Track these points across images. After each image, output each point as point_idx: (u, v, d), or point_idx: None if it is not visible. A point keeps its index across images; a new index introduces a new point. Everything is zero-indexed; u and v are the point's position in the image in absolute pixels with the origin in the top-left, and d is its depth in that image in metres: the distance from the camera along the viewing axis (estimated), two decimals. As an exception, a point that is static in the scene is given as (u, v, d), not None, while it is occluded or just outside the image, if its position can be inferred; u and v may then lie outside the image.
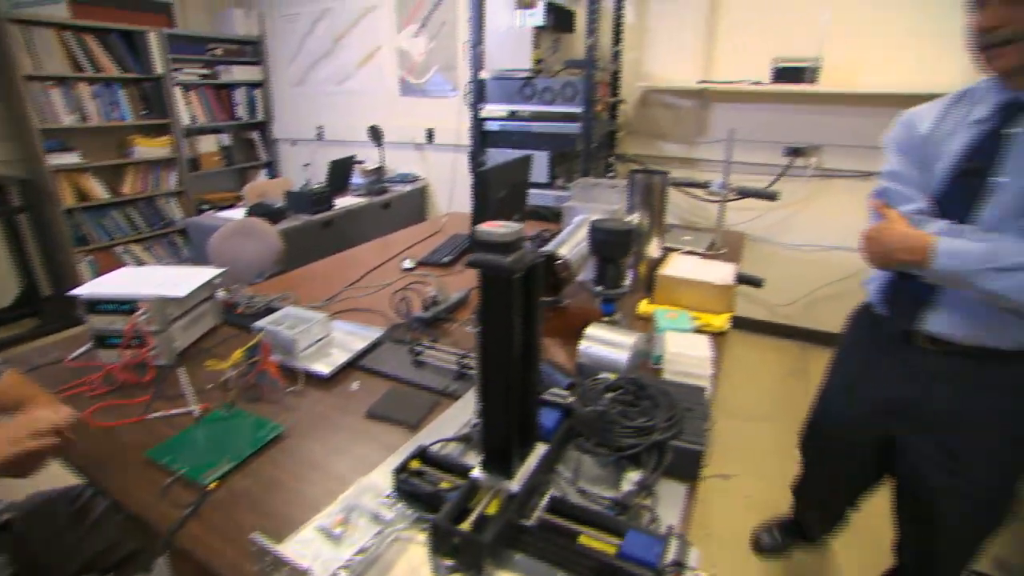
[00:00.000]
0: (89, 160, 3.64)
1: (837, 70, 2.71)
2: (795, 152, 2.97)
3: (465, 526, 0.66)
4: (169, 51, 3.90)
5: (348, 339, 1.33)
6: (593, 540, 0.68)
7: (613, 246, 1.21)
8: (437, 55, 3.84)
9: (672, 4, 3.09)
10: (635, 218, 1.60)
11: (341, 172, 3.54)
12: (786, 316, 3.26)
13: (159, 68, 3.88)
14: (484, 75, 3.02)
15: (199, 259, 3.00)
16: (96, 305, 1.17)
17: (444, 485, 0.78)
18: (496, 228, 0.59)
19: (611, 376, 0.96)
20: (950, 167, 1.03)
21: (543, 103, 2.88)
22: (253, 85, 4.60)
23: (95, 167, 3.69)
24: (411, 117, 4.07)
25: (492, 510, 0.69)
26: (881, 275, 1.17)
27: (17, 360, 1.21)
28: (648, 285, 1.58)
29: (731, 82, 2.92)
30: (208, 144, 4.36)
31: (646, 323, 1.42)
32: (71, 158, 3.53)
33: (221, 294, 1.55)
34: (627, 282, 1.31)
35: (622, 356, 1.04)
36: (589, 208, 1.60)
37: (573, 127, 2.83)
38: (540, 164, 2.96)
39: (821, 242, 3.04)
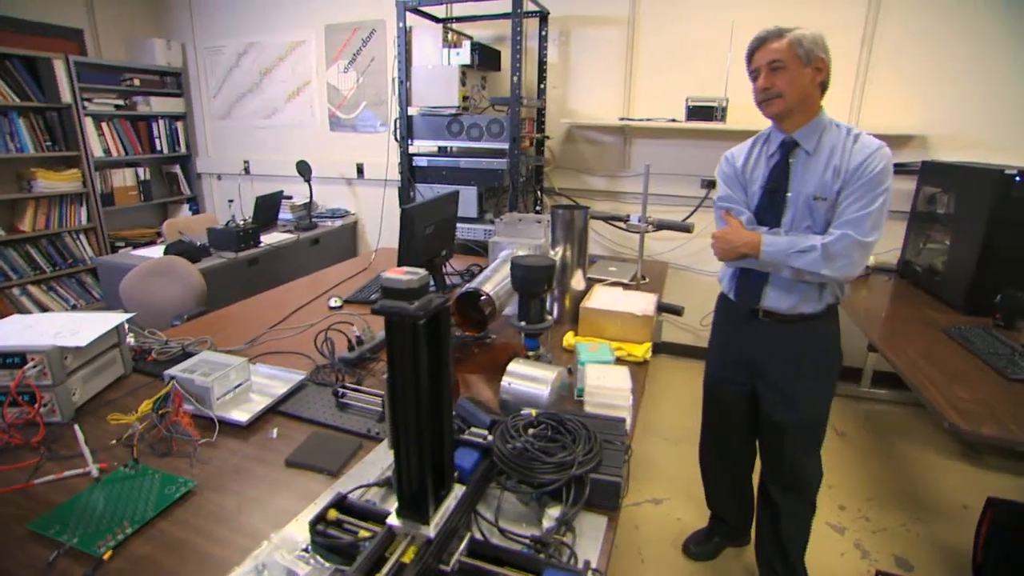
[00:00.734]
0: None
1: (742, 109, 2.94)
2: (711, 184, 3.17)
3: (380, 577, 0.65)
4: (79, 80, 3.70)
5: (268, 384, 1.29)
6: (511, 581, 0.68)
7: (533, 282, 1.24)
8: (366, 91, 3.86)
9: (592, 45, 3.27)
10: (558, 252, 1.65)
11: (269, 208, 3.45)
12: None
13: (67, 97, 3.66)
14: (412, 111, 3.06)
15: (111, 301, 2.81)
16: (-21, 360, 1.07)
17: (363, 534, 0.76)
18: (401, 275, 0.60)
19: (532, 412, 0.98)
20: (760, 189, 1.46)
21: (471, 139, 2.94)
22: (174, 117, 4.43)
23: (-14, 202, 3.41)
24: (341, 152, 4.04)
25: (408, 558, 0.68)
26: (729, 271, 1.58)
27: None
28: (573, 317, 1.63)
29: (650, 119, 3.10)
30: (123, 178, 4.13)
31: (571, 355, 1.45)
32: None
33: (131, 340, 1.46)
34: (550, 316, 1.34)
35: (543, 391, 1.06)
36: (514, 243, 1.64)
37: (500, 162, 2.90)
38: (469, 199, 3.01)
39: (738, 268, 3.23)
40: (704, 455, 1.85)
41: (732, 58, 2.89)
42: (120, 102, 4.06)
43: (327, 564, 0.75)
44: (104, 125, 3.96)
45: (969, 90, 2.67)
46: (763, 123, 1.48)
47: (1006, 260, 1.97)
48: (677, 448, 2.53)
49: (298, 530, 0.82)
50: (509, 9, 2.74)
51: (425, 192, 3.11)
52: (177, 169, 4.54)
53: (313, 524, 0.76)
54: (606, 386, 1.12)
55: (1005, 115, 2.65)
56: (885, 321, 2.08)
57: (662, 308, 1.76)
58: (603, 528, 0.86)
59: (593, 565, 0.77)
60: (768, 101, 1.37)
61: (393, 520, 0.71)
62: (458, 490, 0.77)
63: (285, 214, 3.68)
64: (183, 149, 4.51)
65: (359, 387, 1.25)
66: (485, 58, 3.13)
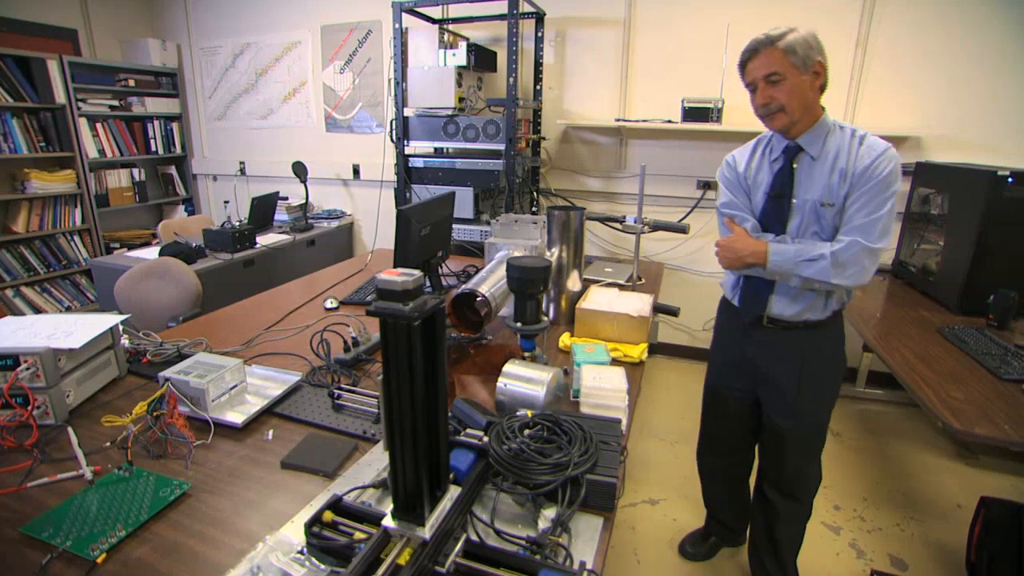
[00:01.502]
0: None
1: (738, 111, 2.95)
2: (707, 185, 3.18)
3: (375, 579, 0.65)
4: (73, 80, 3.68)
5: (264, 385, 1.29)
6: (507, 582, 0.68)
7: (529, 283, 1.24)
8: (362, 91, 3.85)
9: (588, 46, 3.27)
10: (554, 253, 1.65)
11: (264, 209, 3.44)
12: (705, 340, 3.41)
13: (60, 98, 3.65)
14: (408, 112, 3.06)
15: (106, 302, 2.80)
16: (-28, 362, 1.07)
17: (359, 536, 0.76)
18: (395, 277, 0.60)
19: (528, 413, 0.98)
20: (764, 195, 1.41)
21: (467, 140, 2.94)
22: (170, 118, 4.41)
23: (-20, 204, 3.39)
24: (337, 153, 4.03)
25: (404, 559, 0.68)
26: (732, 277, 1.53)
27: None
28: (569, 318, 1.63)
29: (645, 120, 3.10)
30: (118, 179, 4.12)
31: (568, 356, 1.46)
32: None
33: (126, 342, 1.46)
34: (547, 317, 1.34)
35: (539, 393, 1.06)
36: (511, 244, 1.64)
37: (496, 163, 2.90)
38: (465, 200, 3.01)
39: (734, 269, 3.24)
40: (702, 457, 1.84)
41: (728, 59, 2.90)
42: (115, 103, 4.05)
43: (322, 566, 0.75)
44: (99, 126, 3.95)
45: (963, 92, 2.68)
46: (760, 124, 1.46)
47: (999, 261, 1.99)
48: (673, 449, 2.53)
49: (293, 532, 0.82)
50: (505, 10, 2.74)
51: (421, 193, 3.11)
52: (172, 170, 4.53)
53: (308, 526, 0.76)
54: (602, 387, 1.12)
55: (998, 117, 2.67)
56: (879, 321, 2.09)
57: (658, 309, 1.76)
58: (599, 529, 0.87)
59: (589, 566, 0.77)
60: (770, 116, 1.33)
61: (388, 522, 0.71)
62: (454, 491, 0.77)
63: (281, 215, 3.67)
64: (179, 150, 4.50)
65: (355, 388, 1.25)
66: (481, 59, 3.13)
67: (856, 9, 2.77)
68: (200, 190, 4.67)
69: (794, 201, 1.36)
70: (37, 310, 3.68)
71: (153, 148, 4.33)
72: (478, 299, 1.35)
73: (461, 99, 2.98)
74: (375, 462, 1.02)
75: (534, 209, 3.43)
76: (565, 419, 0.96)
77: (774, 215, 1.39)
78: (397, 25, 2.98)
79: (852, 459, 2.48)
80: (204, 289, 2.36)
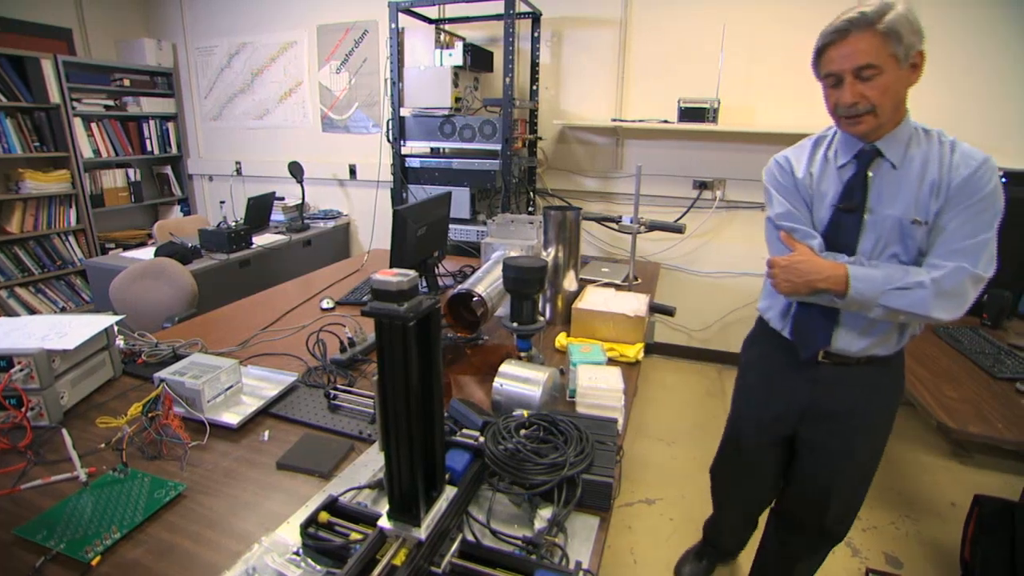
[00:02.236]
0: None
1: (734, 111, 2.96)
2: (703, 186, 3.19)
3: (370, 580, 0.65)
4: (68, 80, 3.66)
5: (260, 386, 1.28)
6: (502, 582, 0.68)
7: (525, 283, 1.24)
8: (358, 91, 3.85)
9: (585, 46, 3.28)
10: (550, 253, 1.65)
11: (261, 209, 3.43)
12: (702, 340, 3.44)
13: (55, 97, 3.63)
14: (405, 112, 3.06)
15: (101, 303, 2.79)
16: (-35, 363, 1.06)
17: (355, 537, 0.76)
18: (391, 277, 0.60)
19: (524, 413, 0.98)
20: (829, 207, 1.17)
21: (463, 141, 2.94)
22: (165, 118, 4.40)
23: (-25, 204, 3.37)
24: (334, 153, 4.03)
25: (399, 560, 0.68)
26: (781, 303, 1.30)
27: None
28: (566, 318, 1.63)
29: (641, 120, 3.11)
30: (114, 179, 4.10)
31: (564, 356, 1.46)
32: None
33: (121, 343, 1.45)
34: (543, 317, 1.34)
35: (535, 392, 1.06)
36: (507, 244, 1.64)
37: (493, 163, 2.90)
38: (462, 200, 3.01)
39: (730, 269, 3.25)
40: (719, 496, 1.68)
41: (724, 59, 2.90)
42: (110, 102, 4.03)
43: (318, 567, 0.75)
44: (94, 125, 3.93)
45: (961, 92, 2.70)
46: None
47: (993, 260, 2.00)
48: (670, 449, 2.54)
49: (289, 533, 0.82)
50: (502, 10, 2.74)
51: (417, 193, 3.11)
52: (168, 170, 4.51)
53: (304, 527, 0.76)
54: (598, 387, 1.13)
55: (994, 117, 2.68)
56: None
57: (654, 309, 1.77)
58: (595, 529, 0.87)
59: (585, 566, 0.77)
60: (855, 119, 1.09)
61: (384, 522, 0.71)
62: (449, 492, 0.77)
63: (277, 215, 3.67)
64: (174, 150, 4.48)
65: (351, 389, 1.24)
66: (477, 59, 3.13)
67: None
68: (196, 190, 4.66)
69: (867, 216, 1.13)
70: (31, 311, 3.67)
71: (148, 148, 4.32)
72: (474, 299, 1.35)
73: (457, 99, 2.98)
74: (371, 463, 1.02)
75: (531, 209, 3.43)
76: (561, 419, 0.96)
77: (844, 232, 1.16)
78: (393, 25, 2.98)
79: (848, 458, 2.49)
80: (200, 289, 2.35)
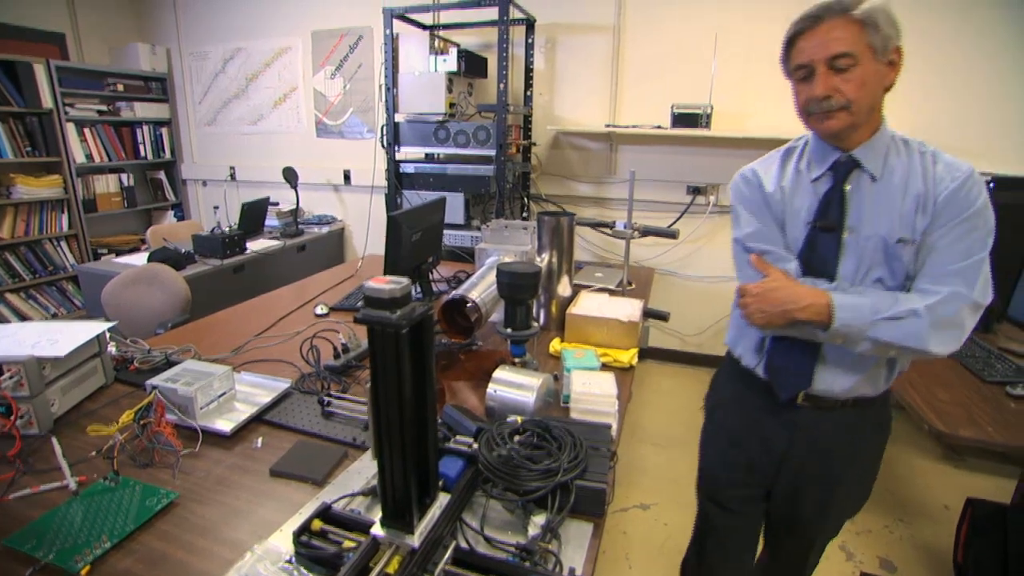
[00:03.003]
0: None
1: (727, 116, 2.98)
2: (696, 191, 3.21)
3: (363, 588, 0.65)
4: (61, 85, 3.65)
5: (253, 392, 1.28)
6: (495, 590, 0.68)
7: (519, 288, 1.25)
8: (353, 97, 3.85)
9: (578, 52, 3.30)
10: (544, 259, 1.66)
11: (255, 214, 3.42)
12: (696, 345, 3.45)
13: (47, 102, 3.62)
14: (399, 118, 3.06)
15: (93, 309, 2.77)
16: (-45, 371, 1.05)
17: (348, 544, 0.76)
18: (383, 284, 0.60)
19: (518, 419, 0.98)
20: (804, 225, 1.05)
21: (457, 146, 2.95)
22: (159, 123, 4.39)
23: (-35, 209, 3.35)
24: (328, 158, 4.03)
25: (393, 568, 0.68)
26: (753, 336, 1.14)
27: None
28: (560, 323, 1.63)
29: (635, 126, 3.13)
30: (107, 184, 4.08)
31: (558, 362, 1.46)
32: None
33: (113, 349, 1.44)
34: (537, 323, 1.35)
35: (528, 398, 1.06)
36: (501, 250, 1.64)
37: (487, 169, 2.91)
38: (456, 205, 3.01)
39: (724, 274, 3.27)
40: (689, 568, 1.45)
41: (716, 66, 2.93)
42: (103, 107, 4.02)
43: (311, 575, 0.74)
44: (87, 131, 3.92)
45: (948, 99, 2.73)
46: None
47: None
48: (665, 453, 2.54)
49: (282, 541, 0.81)
50: (496, 17, 2.75)
51: (412, 199, 3.11)
52: (162, 175, 4.50)
53: (297, 535, 0.76)
54: (592, 392, 1.13)
55: (980, 123, 2.71)
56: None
57: (648, 314, 1.77)
58: (588, 535, 0.87)
59: (579, 572, 0.77)
60: (826, 115, 0.97)
61: (377, 530, 0.71)
62: (443, 499, 0.77)
63: (271, 221, 3.66)
64: (168, 155, 4.47)
65: (344, 395, 1.24)
66: (472, 65, 3.14)
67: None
68: (190, 195, 4.64)
69: (846, 236, 1.01)
70: (22, 317, 3.64)
71: (142, 153, 4.31)
72: (468, 305, 1.36)
73: (452, 105, 2.99)
74: (364, 470, 1.02)
75: (525, 214, 3.44)
76: (555, 425, 0.96)
77: (821, 254, 1.03)
78: (388, 31, 2.99)
79: (841, 462, 2.50)
80: (193, 295, 2.34)
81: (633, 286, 2.13)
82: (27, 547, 0.79)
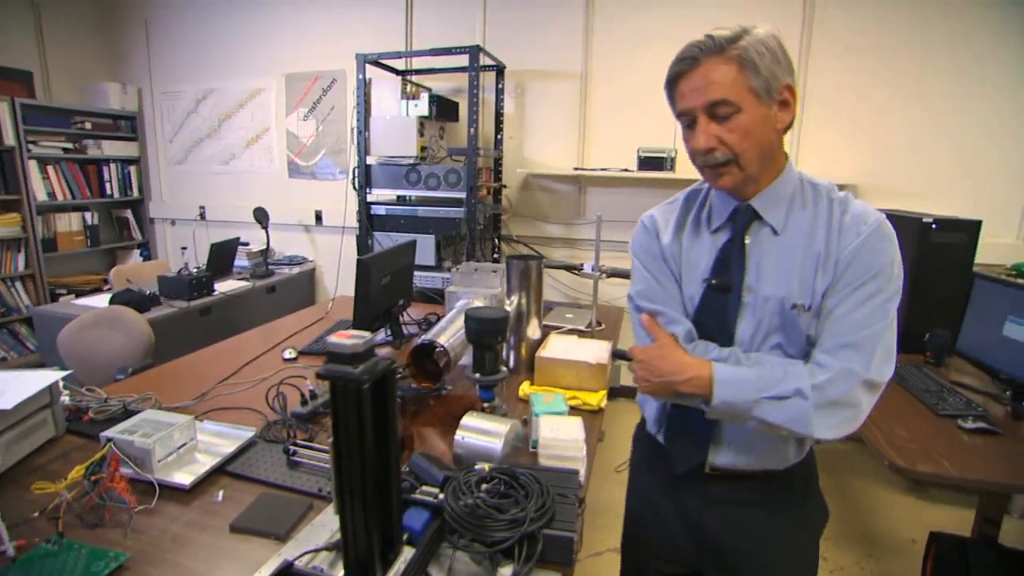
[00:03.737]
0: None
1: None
2: (663, 231, 3.30)
3: (322, 653, 0.63)
4: (25, 122, 3.60)
5: (216, 442, 1.24)
6: (459, 649, 0.67)
7: (487, 334, 1.26)
8: (326, 139, 3.89)
9: (547, 98, 3.42)
10: (513, 301, 1.68)
11: (224, 255, 3.38)
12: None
13: (9, 139, 3.55)
14: (371, 160, 3.10)
15: (47, 353, 2.67)
16: None
17: (308, 604, 0.73)
18: (345, 340, 0.61)
19: (486, 467, 0.97)
20: (701, 283, 0.96)
21: (428, 189, 3.00)
22: (128, 161, 4.34)
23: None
24: (300, 199, 4.03)
25: (354, 630, 0.66)
26: (655, 401, 1.06)
27: None
28: (530, 366, 1.64)
29: (604, 169, 3.23)
30: (69, 222, 3.99)
31: (528, 405, 1.46)
32: None
33: (66, 398, 1.39)
34: (506, 367, 1.35)
35: (496, 445, 1.06)
36: (471, 293, 1.66)
37: (458, 211, 2.96)
38: (427, 247, 3.04)
39: (692, 311, 3.33)
40: None
41: (678, 113, 3.06)
42: (68, 145, 3.97)
43: (269, 639, 0.71)
44: (50, 168, 3.85)
45: (893, 142, 2.90)
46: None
47: (930, 301, 2.11)
48: (638, 492, 2.52)
49: (239, 603, 0.78)
50: (467, 63, 2.85)
51: (383, 240, 3.12)
52: (129, 214, 4.43)
53: (254, 597, 0.73)
54: (559, 438, 1.13)
55: (924, 166, 2.88)
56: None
57: (617, 355, 1.79)
58: (557, 586, 0.86)
59: (545, 626, 0.76)
60: (714, 170, 0.90)
61: (339, 589, 0.69)
62: (407, 553, 0.76)
63: (241, 261, 3.61)
64: (136, 193, 4.41)
65: (311, 444, 1.21)
66: (443, 109, 3.22)
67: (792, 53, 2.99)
68: (157, 235, 4.57)
69: (746, 296, 0.92)
70: (-29, 362, 3.47)
71: (108, 191, 4.24)
72: (437, 350, 1.36)
73: (423, 148, 3.04)
74: (329, 522, 0.99)
75: (495, 256, 3.48)
76: (522, 473, 0.96)
77: (718, 315, 0.94)
78: (361, 76, 3.05)
79: (811, 497, 2.53)
80: (157, 339, 2.28)
81: (603, 327, 2.16)
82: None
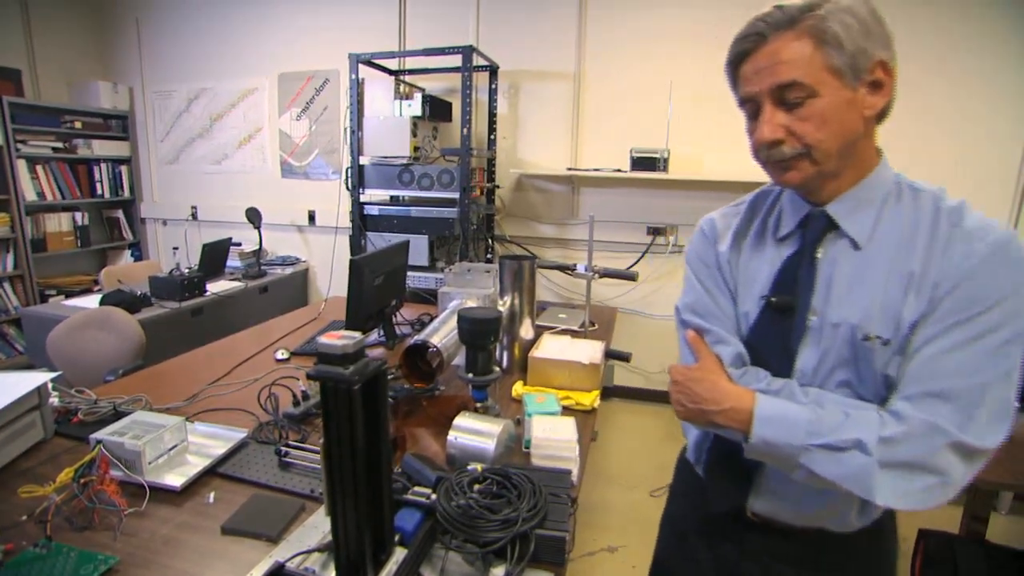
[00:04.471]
0: None
1: (683, 159, 3.11)
2: (656, 231, 3.31)
3: (313, 654, 0.62)
4: (13, 121, 3.56)
5: (207, 444, 1.24)
6: (451, 649, 0.67)
7: (480, 335, 1.26)
8: (319, 138, 3.88)
9: (540, 98, 3.42)
10: (506, 302, 1.68)
11: (216, 255, 3.36)
12: (660, 383, 3.50)
13: (-3, 140, 3.52)
14: (364, 161, 3.10)
15: (36, 355, 2.64)
16: None
17: (300, 606, 0.73)
18: (335, 340, 0.60)
19: (478, 467, 0.97)
20: (759, 299, 0.81)
21: (422, 189, 2.99)
22: (119, 161, 4.31)
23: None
24: (293, 199, 4.02)
25: (345, 631, 0.66)
26: (699, 430, 0.93)
27: None
28: (523, 366, 1.64)
29: (597, 169, 3.23)
30: (59, 223, 3.95)
31: (521, 405, 1.46)
32: None
33: (55, 400, 1.38)
34: (499, 367, 1.35)
35: (489, 445, 1.06)
36: (464, 293, 1.66)
37: (451, 211, 2.95)
38: (420, 247, 3.03)
39: (685, 311, 3.35)
40: None
41: (672, 110, 3.07)
42: (58, 144, 3.93)
43: (260, 641, 0.71)
44: (39, 168, 3.81)
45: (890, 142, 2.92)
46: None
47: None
48: (631, 494, 2.53)
49: (230, 605, 0.78)
50: (460, 64, 2.84)
51: (376, 240, 3.11)
52: (120, 214, 4.39)
53: (245, 599, 0.73)
54: (552, 438, 1.13)
55: (923, 166, 2.90)
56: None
57: (610, 355, 1.80)
58: (549, 586, 0.86)
59: (537, 626, 0.76)
60: (780, 165, 0.74)
61: (330, 590, 0.69)
62: (399, 554, 0.76)
63: (234, 261, 3.60)
64: (127, 193, 4.38)
65: (303, 445, 1.21)
66: (436, 109, 3.21)
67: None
68: (149, 235, 4.53)
69: (812, 319, 0.76)
70: (-41, 363, 3.44)
71: (99, 192, 4.20)
72: (430, 350, 1.36)
73: (416, 148, 3.04)
74: (321, 524, 0.98)
75: (489, 256, 3.48)
76: (514, 473, 0.96)
77: (774, 340, 0.80)
78: (354, 76, 3.04)
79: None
80: (148, 340, 2.26)
81: (596, 327, 2.16)
82: (-52, 624, 0.74)
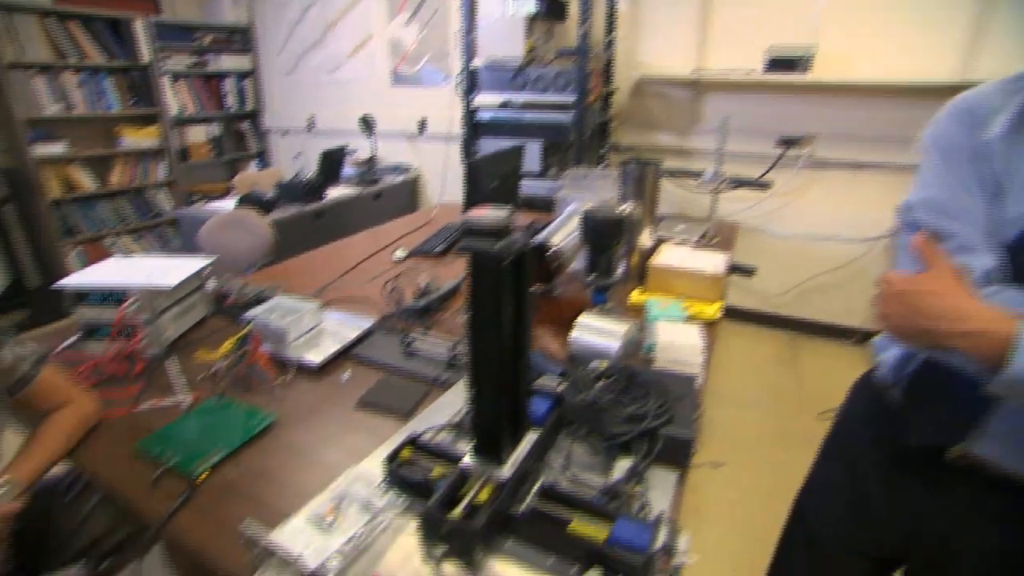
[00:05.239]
0: (76, 151, 3.59)
1: (831, 59, 2.70)
2: (788, 142, 2.97)
3: (456, 514, 0.66)
4: (156, 39, 3.83)
5: (339, 329, 1.33)
6: (584, 526, 0.68)
7: (605, 235, 1.20)
8: (429, 44, 3.81)
9: (665, -10, 3.07)
10: (627, 208, 1.59)
11: (332, 163, 3.51)
12: (777, 306, 3.28)
13: (146, 57, 3.82)
14: (476, 64, 3.00)
15: (189, 250, 2.97)
16: (84, 296, 1.15)
17: (436, 473, 0.78)
18: (485, 214, 0.58)
19: (602, 365, 0.96)
20: None
21: (536, 92, 2.86)
22: (243, 74, 4.54)
23: (82, 158, 3.64)
24: (403, 107, 4.03)
25: (483, 497, 0.69)
26: (898, 349, 0.81)
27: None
28: (640, 275, 1.58)
29: (725, 71, 2.91)
30: (197, 134, 4.31)
31: (638, 312, 1.42)
32: (57, 148, 3.48)
33: (211, 284, 1.53)
34: (619, 272, 1.30)
35: (613, 345, 1.03)
36: (581, 198, 1.59)
37: (566, 117, 2.81)
38: (533, 154, 2.95)
39: (813, 232, 3.05)
40: None
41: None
42: (193, 60, 4.20)
43: (401, 499, 0.77)
44: (180, 83, 4.12)
45: None
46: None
47: None
48: (737, 413, 2.47)
49: (372, 466, 0.85)
50: (578, -47, 2.60)
51: (488, 147, 3.07)
52: (245, 126, 4.69)
53: (389, 460, 0.79)
54: (677, 343, 1.09)
55: None
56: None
57: (733, 268, 1.68)
58: (673, 483, 0.85)
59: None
60: None
61: (467, 461, 0.72)
62: (532, 435, 0.77)
63: (348, 169, 3.74)
64: (250, 105, 4.64)
65: (427, 334, 1.26)
66: (551, 7, 2.99)
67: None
68: (271, 145, 4.82)
69: None
70: (133, 256, 3.97)
71: (227, 104, 4.49)
72: (550, 251, 1.33)
73: (531, 49, 2.88)
74: (447, 406, 1.03)
75: (603, 164, 3.32)
76: (641, 372, 0.94)
77: None
78: (465, -28, 2.89)
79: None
80: (277, 239, 2.45)
81: (717, 239, 2.02)
82: (156, 451, 0.88)
